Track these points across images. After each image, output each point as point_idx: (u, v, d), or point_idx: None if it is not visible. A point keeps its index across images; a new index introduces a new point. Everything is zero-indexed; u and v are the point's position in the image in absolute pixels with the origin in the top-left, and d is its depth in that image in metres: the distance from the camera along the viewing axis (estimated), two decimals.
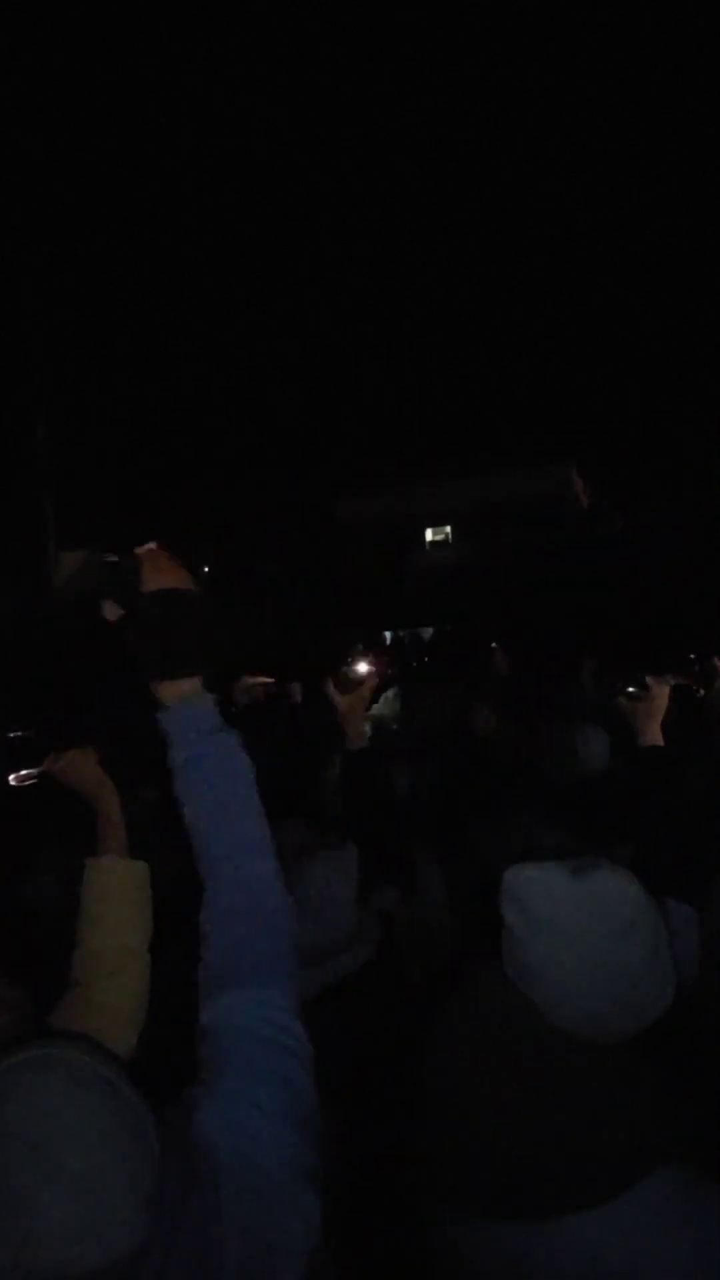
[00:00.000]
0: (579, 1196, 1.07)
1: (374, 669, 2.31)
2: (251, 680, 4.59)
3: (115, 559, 1.27)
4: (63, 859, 2.33)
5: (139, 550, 1.26)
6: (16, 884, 2.58)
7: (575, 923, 1.14)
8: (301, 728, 4.04)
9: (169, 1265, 0.84)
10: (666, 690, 2.03)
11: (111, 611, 1.27)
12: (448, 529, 27.29)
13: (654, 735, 1.98)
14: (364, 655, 2.46)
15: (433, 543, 27.46)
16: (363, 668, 2.26)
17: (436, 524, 27.38)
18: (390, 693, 5.29)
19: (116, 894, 1.69)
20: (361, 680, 2.21)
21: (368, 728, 2.21)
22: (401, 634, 18.94)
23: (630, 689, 2.02)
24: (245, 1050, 1.03)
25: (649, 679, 2.02)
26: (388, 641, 18.83)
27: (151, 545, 1.27)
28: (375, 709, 4.30)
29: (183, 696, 1.20)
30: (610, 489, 25.89)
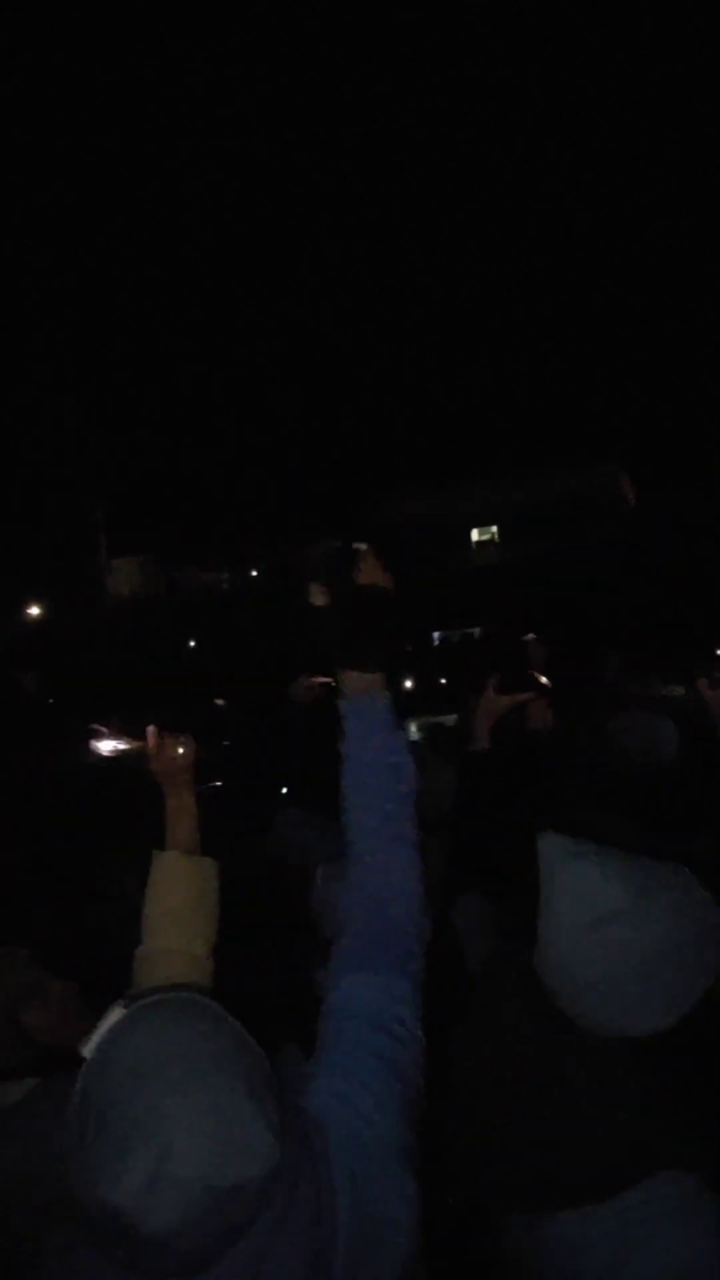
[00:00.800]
0: (569, 1194, 1.07)
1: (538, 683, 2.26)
2: (311, 680, 4.72)
3: (339, 545, 1.38)
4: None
5: (360, 546, 1.36)
6: (102, 886, 2.57)
7: (601, 901, 1.13)
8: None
9: (288, 1217, 0.87)
10: None
11: (318, 597, 1.38)
12: (494, 529, 27.20)
13: None
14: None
15: (479, 542, 27.39)
16: (538, 677, 2.25)
17: (483, 524, 27.31)
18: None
19: (175, 891, 1.58)
20: (525, 685, 2.19)
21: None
22: (451, 634, 18.98)
23: (716, 676, 2.00)
24: (362, 1032, 1.06)
25: None
26: (436, 642, 18.85)
27: (367, 545, 1.35)
28: None
29: (367, 688, 1.26)
30: (657, 487, 25.62)
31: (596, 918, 1.12)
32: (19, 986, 1.56)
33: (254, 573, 28.47)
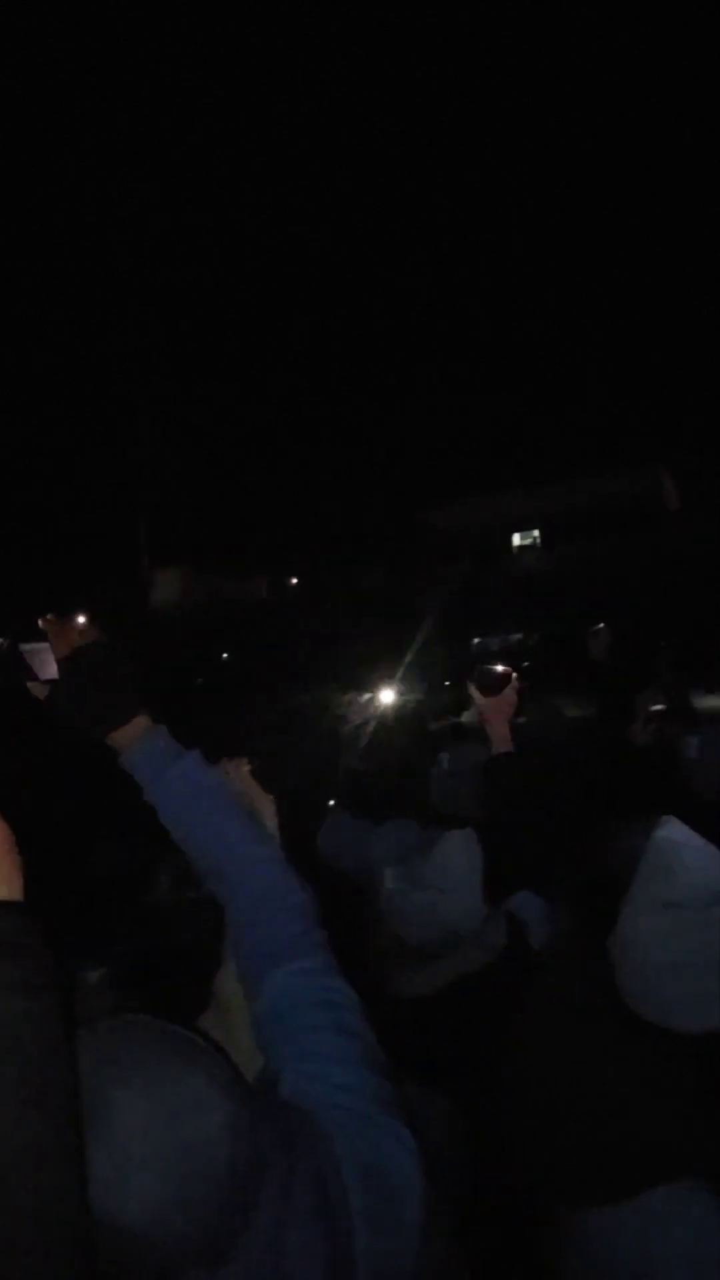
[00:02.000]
0: (596, 1191, 1.08)
1: (510, 670, 2.21)
2: (361, 696, 4.73)
3: (9, 643, 1.36)
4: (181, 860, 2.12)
5: (40, 623, 1.34)
6: (140, 891, 2.53)
7: (685, 891, 1.16)
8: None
9: (293, 1195, 0.89)
10: None
11: (38, 690, 1.36)
12: (536, 534, 27.07)
13: None
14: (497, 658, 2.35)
15: (521, 547, 27.27)
16: (500, 668, 2.20)
17: (524, 529, 27.19)
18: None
19: None
20: (501, 680, 2.14)
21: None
22: (491, 640, 18.90)
23: None
24: (304, 1016, 1.09)
25: None
26: (474, 648, 18.78)
27: (46, 617, 1.33)
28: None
29: (133, 739, 1.26)
30: (702, 491, 25.27)
31: (699, 899, 1.14)
32: None
33: (294, 580, 28.60)
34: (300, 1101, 1.00)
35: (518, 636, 18.23)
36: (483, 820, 1.98)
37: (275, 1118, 0.95)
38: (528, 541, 27.22)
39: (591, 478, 25.63)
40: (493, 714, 2.13)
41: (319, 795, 2.70)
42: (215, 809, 1.25)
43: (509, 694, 2.14)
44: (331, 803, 2.70)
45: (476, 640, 18.78)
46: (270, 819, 1.41)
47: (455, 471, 26.45)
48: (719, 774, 2.81)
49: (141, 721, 1.28)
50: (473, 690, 2.17)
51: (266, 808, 1.43)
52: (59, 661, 1.30)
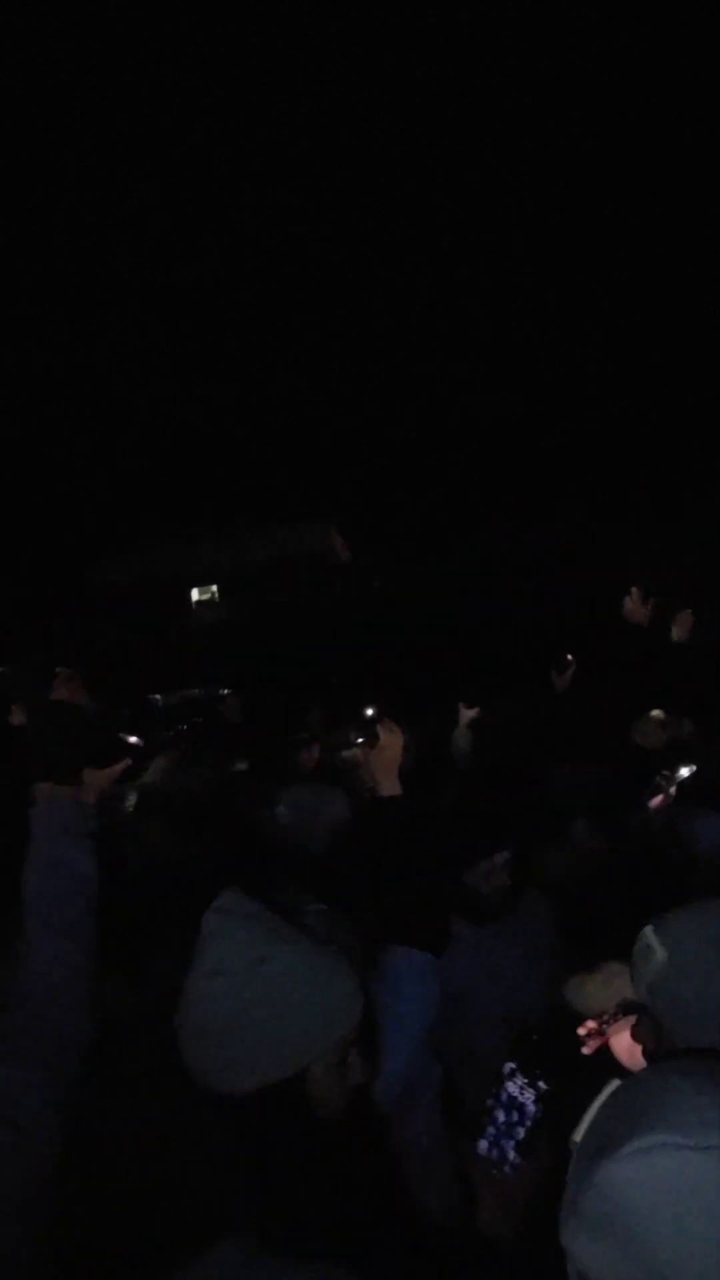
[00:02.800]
0: (154, 1256, 1.09)
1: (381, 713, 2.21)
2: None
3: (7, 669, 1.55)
4: None
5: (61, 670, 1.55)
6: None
7: (229, 959, 1.23)
8: None
9: None
10: None
11: (16, 716, 1.54)
12: (214, 588, 27.23)
13: None
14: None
15: (199, 602, 27.27)
16: (370, 710, 2.28)
17: (203, 584, 27.26)
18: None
19: None
20: (375, 722, 2.09)
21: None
22: (171, 697, 18.53)
23: None
24: None
25: None
26: (158, 706, 18.33)
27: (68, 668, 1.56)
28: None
29: (55, 797, 1.44)
30: (368, 546, 26.96)
31: (213, 969, 1.22)
32: None
33: None
34: None
35: (196, 692, 18.09)
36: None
37: None
38: (206, 596, 27.30)
39: (266, 533, 26.39)
40: (378, 763, 2.04)
41: None
42: (69, 894, 1.41)
43: (390, 742, 2.04)
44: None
45: (158, 698, 18.34)
46: None
47: (134, 526, 25.95)
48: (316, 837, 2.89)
49: (69, 789, 1.46)
50: (355, 745, 2.18)
51: None
52: (45, 709, 1.51)
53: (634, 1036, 1.39)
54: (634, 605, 4.01)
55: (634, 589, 3.98)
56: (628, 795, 3.38)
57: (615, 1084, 1.09)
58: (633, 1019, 1.43)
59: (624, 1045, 1.44)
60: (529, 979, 2.31)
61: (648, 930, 1.35)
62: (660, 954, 1.29)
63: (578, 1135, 1.22)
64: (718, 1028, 1.20)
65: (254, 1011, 1.18)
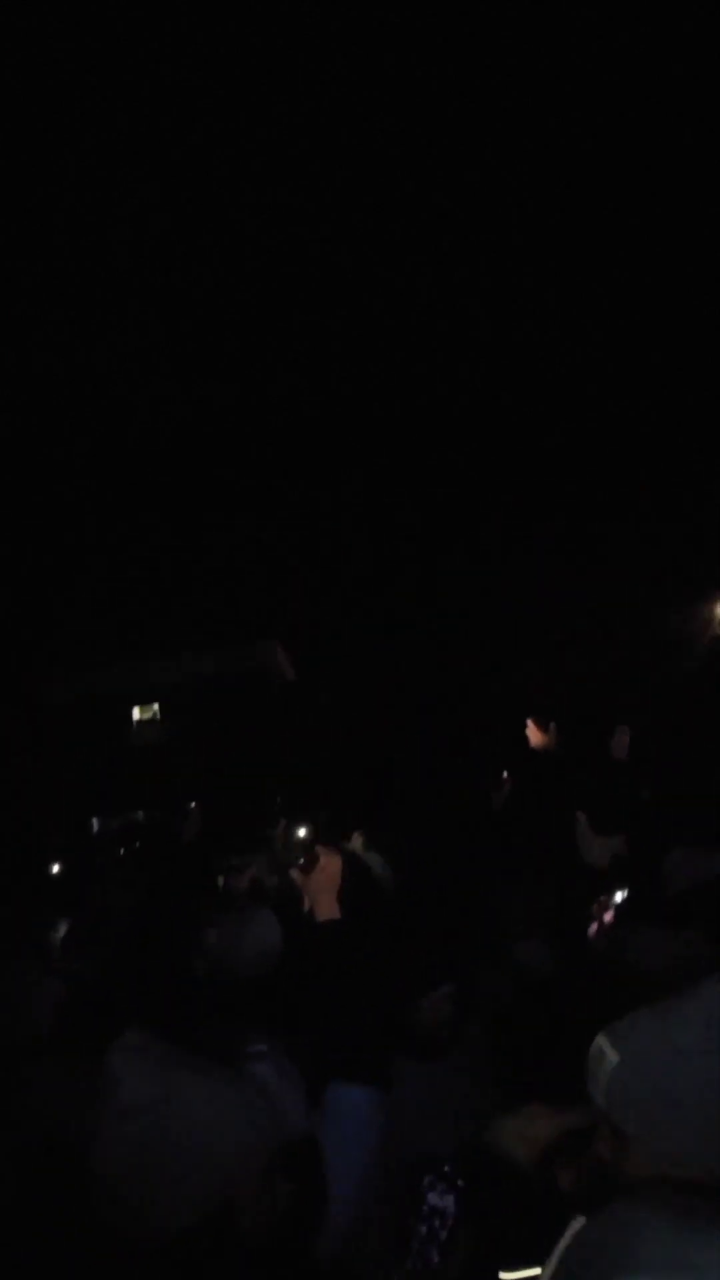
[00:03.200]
0: None
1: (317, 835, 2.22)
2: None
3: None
4: None
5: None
6: None
7: (144, 1097, 1.22)
8: None
9: None
10: None
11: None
12: (155, 707, 26.95)
13: None
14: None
15: (141, 721, 26.92)
16: (303, 831, 2.27)
17: (144, 702, 26.98)
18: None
19: None
20: (311, 843, 2.14)
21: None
22: (112, 820, 18.07)
23: None
24: None
25: None
26: (95, 829, 17.86)
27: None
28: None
29: None
30: (313, 664, 27.11)
31: (121, 1110, 1.19)
32: None
33: None
34: None
35: (139, 815, 17.69)
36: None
37: None
38: (148, 715, 26.98)
39: (209, 651, 26.39)
40: (316, 886, 2.05)
41: None
42: None
43: (329, 864, 2.06)
44: None
45: (96, 820, 17.88)
46: None
47: (69, 643, 25.68)
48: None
49: None
50: (295, 873, 2.16)
51: None
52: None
53: (596, 1150, 1.36)
54: (534, 732, 4.18)
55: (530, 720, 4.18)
56: (577, 915, 3.38)
57: (580, 1222, 1.07)
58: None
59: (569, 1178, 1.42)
60: (475, 1111, 2.27)
61: (599, 1037, 1.33)
62: (613, 1058, 1.27)
63: (522, 1273, 1.21)
64: (678, 1127, 1.16)
65: (162, 1149, 1.16)
